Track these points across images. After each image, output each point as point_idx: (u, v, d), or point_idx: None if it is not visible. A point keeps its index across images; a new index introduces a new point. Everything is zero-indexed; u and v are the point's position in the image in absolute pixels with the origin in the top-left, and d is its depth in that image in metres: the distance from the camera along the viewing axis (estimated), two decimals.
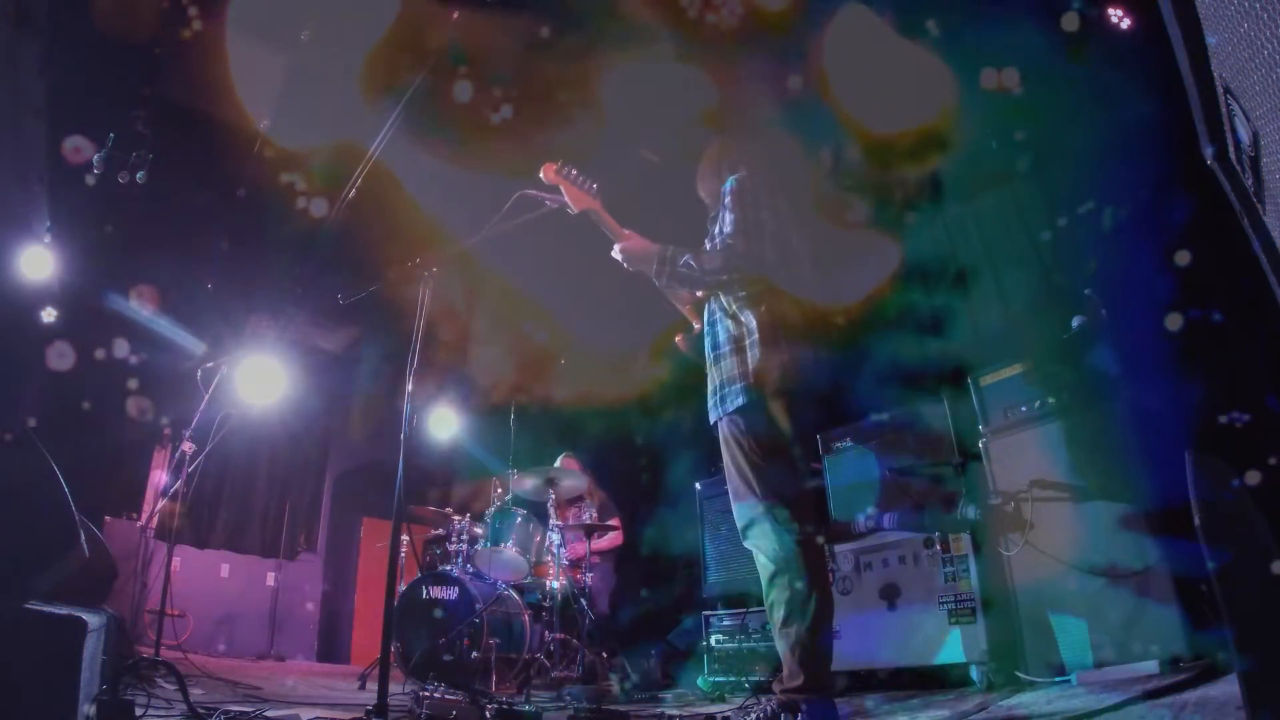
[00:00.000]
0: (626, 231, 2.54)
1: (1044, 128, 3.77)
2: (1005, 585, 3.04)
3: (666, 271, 2.40)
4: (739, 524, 2.29)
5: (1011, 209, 4.14)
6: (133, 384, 5.15)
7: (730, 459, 2.31)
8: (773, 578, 2.17)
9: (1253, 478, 1.17)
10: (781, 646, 2.13)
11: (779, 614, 2.13)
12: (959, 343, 4.24)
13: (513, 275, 5.58)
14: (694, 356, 2.59)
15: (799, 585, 2.10)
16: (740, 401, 2.26)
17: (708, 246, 2.48)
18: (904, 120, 4.16)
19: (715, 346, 2.41)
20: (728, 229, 2.34)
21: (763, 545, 2.21)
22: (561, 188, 2.55)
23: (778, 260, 2.36)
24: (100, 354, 4.75)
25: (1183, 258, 2.30)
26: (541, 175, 2.56)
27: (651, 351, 5.91)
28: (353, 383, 6.93)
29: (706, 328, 2.48)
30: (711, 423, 2.40)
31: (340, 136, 4.58)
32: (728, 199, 2.39)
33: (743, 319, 2.33)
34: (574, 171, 2.56)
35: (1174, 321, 2.22)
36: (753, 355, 2.27)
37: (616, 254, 2.53)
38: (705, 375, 2.50)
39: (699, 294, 2.53)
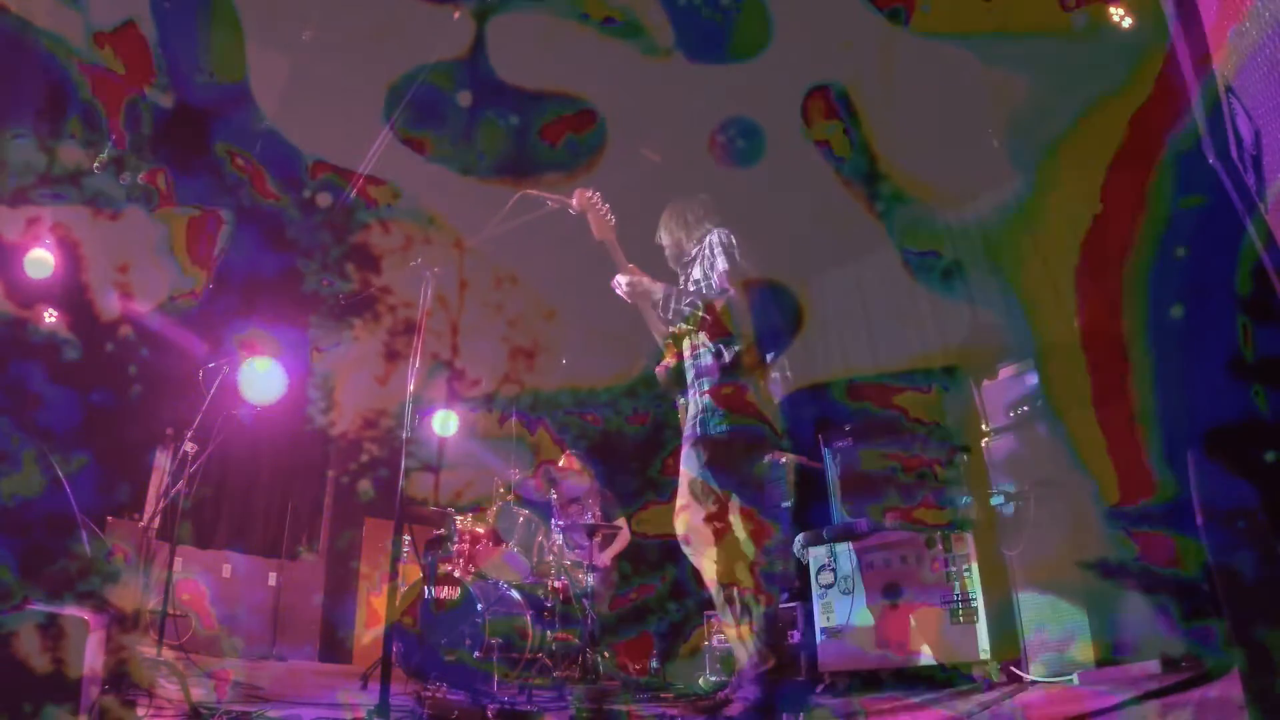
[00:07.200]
0: (630, 265, 2.74)
1: (1044, 125, 3.76)
2: (1006, 584, 3.04)
3: (672, 307, 2.58)
4: (680, 534, 2.49)
5: (1013, 206, 4.14)
6: (134, 385, 5.15)
7: (688, 480, 2.49)
8: (722, 590, 2.35)
9: (1272, 455, 1.17)
10: (747, 637, 2.29)
11: (734, 612, 2.32)
12: (959, 341, 4.24)
13: (516, 274, 5.58)
14: (669, 388, 2.76)
15: (746, 595, 2.31)
16: (719, 430, 2.43)
17: (693, 289, 2.66)
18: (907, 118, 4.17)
19: (699, 375, 2.58)
20: (719, 279, 2.53)
21: (704, 566, 2.40)
22: (588, 216, 2.72)
23: None
24: (101, 354, 4.75)
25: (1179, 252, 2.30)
26: (574, 200, 2.72)
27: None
28: (354, 383, 6.92)
29: (689, 360, 2.64)
30: (686, 449, 2.56)
31: (341, 135, 4.58)
32: (716, 248, 2.59)
33: (725, 352, 2.50)
34: (598, 201, 2.72)
35: (1177, 311, 2.22)
36: (732, 387, 2.46)
37: (619, 285, 2.72)
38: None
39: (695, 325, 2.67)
